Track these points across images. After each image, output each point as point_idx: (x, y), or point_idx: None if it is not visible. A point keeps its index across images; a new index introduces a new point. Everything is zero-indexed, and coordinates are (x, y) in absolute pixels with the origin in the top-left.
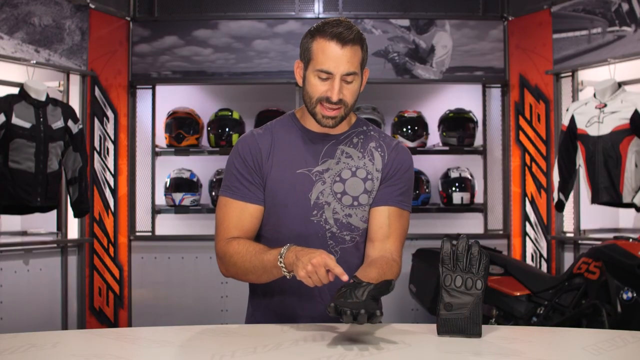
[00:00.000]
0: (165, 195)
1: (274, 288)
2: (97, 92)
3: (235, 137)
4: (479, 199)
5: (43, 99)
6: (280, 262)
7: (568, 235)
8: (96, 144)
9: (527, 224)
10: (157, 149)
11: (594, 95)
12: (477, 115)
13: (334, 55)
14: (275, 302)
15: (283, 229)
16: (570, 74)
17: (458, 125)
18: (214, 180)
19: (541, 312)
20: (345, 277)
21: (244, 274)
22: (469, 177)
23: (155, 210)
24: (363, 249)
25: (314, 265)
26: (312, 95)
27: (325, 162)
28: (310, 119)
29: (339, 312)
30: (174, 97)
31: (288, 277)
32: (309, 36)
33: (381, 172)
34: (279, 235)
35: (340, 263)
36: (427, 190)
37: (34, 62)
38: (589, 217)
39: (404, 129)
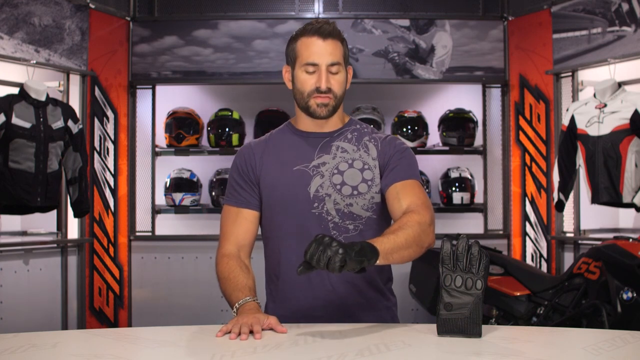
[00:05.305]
0: (165, 195)
1: (287, 283)
2: (97, 92)
3: (235, 137)
4: (479, 199)
5: (43, 99)
6: (234, 311)
7: (568, 235)
8: (96, 144)
9: (527, 224)
10: (157, 149)
11: (594, 95)
12: (477, 115)
13: (317, 48)
14: (289, 296)
15: (285, 225)
16: (570, 74)
17: (458, 125)
18: (214, 180)
19: (541, 312)
20: (258, 337)
21: (222, 293)
22: (469, 177)
23: (155, 210)
24: (369, 237)
25: (240, 324)
26: (303, 91)
27: (320, 157)
28: (304, 121)
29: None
30: (174, 97)
31: None
32: (292, 39)
33: (377, 160)
34: (282, 232)
35: None
36: (427, 190)
37: (34, 62)
38: (589, 217)
39: (404, 129)
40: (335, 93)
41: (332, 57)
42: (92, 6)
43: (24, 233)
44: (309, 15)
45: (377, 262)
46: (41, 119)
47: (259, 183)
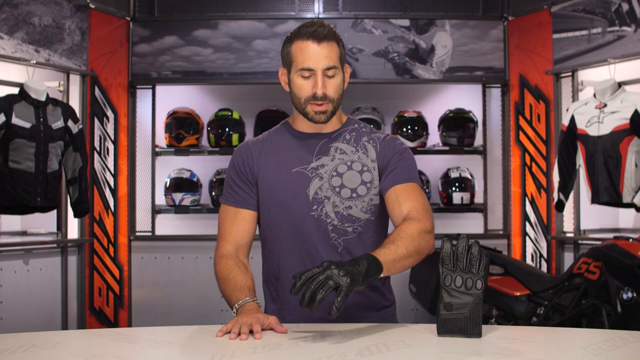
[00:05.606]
0: (165, 195)
1: (287, 284)
2: (97, 92)
3: (235, 137)
4: (479, 199)
5: (43, 99)
6: (234, 312)
7: (568, 235)
8: (96, 144)
9: (527, 224)
10: (157, 149)
11: (594, 95)
12: (477, 115)
13: (312, 53)
14: (289, 296)
15: (284, 227)
16: (570, 74)
17: (458, 125)
18: (214, 180)
19: (541, 312)
20: (258, 337)
21: (221, 293)
22: (469, 177)
23: (155, 210)
24: (368, 239)
25: (240, 324)
26: (300, 96)
27: (319, 159)
28: (302, 121)
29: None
30: (174, 97)
31: None
32: (287, 42)
33: (376, 161)
34: (280, 234)
35: (343, 255)
36: (427, 190)
37: (34, 62)
38: (589, 217)
39: (404, 129)
40: (331, 98)
41: (328, 61)
42: (92, 6)
43: (24, 233)
44: (309, 15)
45: (381, 274)
46: (41, 119)
47: (257, 183)
